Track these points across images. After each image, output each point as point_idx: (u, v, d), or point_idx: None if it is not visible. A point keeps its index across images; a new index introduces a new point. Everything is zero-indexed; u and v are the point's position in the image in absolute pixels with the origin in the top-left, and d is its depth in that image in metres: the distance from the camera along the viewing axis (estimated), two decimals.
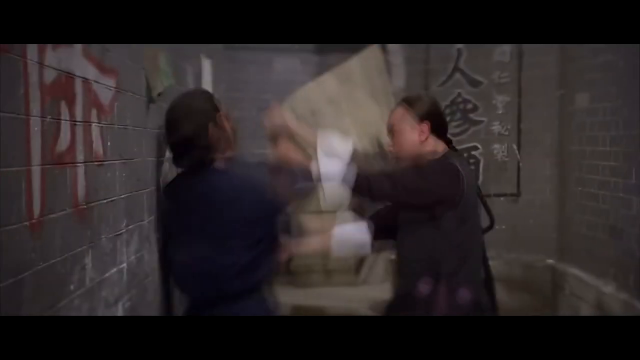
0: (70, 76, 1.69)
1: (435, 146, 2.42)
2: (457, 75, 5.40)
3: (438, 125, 2.44)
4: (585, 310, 4.59)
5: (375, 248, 2.64)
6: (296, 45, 5.92)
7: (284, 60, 6.45)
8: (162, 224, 2.44)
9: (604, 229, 4.46)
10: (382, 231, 2.57)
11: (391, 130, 2.46)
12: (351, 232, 2.61)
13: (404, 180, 2.30)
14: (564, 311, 4.99)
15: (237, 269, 2.25)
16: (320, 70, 6.31)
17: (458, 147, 5.39)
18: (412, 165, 2.40)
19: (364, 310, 5.54)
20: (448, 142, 2.49)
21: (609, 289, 4.33)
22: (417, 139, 2.39)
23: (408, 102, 2.47)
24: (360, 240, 2.58)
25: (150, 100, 2.56)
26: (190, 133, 2.23)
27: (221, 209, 2.25)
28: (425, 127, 2.39)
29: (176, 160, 2.32)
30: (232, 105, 5.83)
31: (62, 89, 1.64)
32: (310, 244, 2.68)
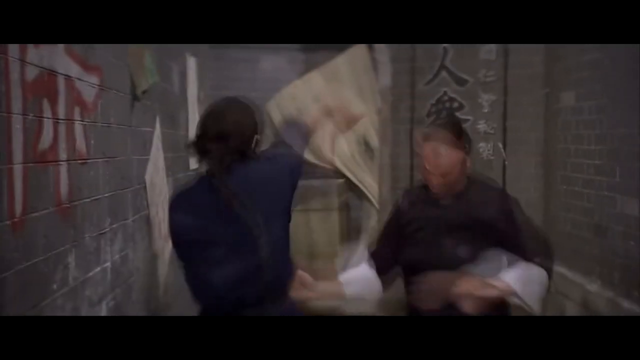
0: (52, 74, 1.68)
1: (464, 170, 2.37)
2: (443, 74, 5.41)
3: (470, 146, 2.43)
4: (571, 309, 4.63)
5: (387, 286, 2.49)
6: (283, 44, 5.92)
7: (271, 58, 6.45)
8: (184, 241, 2.13)
9: (589, 228, 4.49)
10: (386, 269, 2.45)
11: (433, 153, 2.32)
12: (360, 277, 2.47)
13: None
14: (550, 310, 5.03)
15: (272, 269, 2.09)
16: (307, 68, 6.31)
17: None
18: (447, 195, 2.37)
19: (349, 309, 5.54)
20: None
21: (594, 287, 4.36)
22: (459, 162, 2.33)
23: (445, 125, 2.41)
24: (370, 284, 2.46)
25: (135, 98, 2.55)
26: (240, 131, 2.10)
27: (255, 193, 2.07)
28: (469, 157, 2.38)
29: (206, 157, 2.10)
30: None
31: (44, 86, 1.63)
32: (322, 291, 2.43)
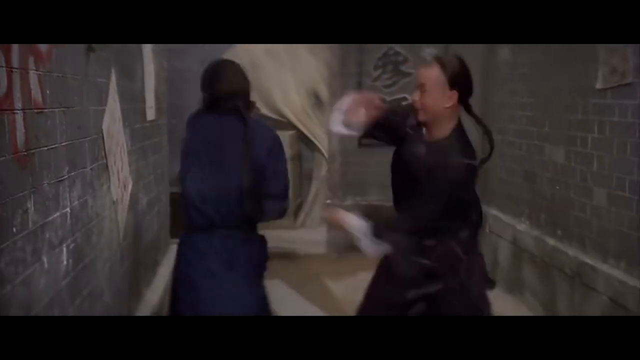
0: None
1: (454, 113, 2.34)
2: None
3: (465, 94, 2.33)
4: (503, 245, 4.80)
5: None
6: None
7: None
8: (184, 152, 2.55)
9: (520, 174, 4.63)
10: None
11: (421, 87, 2.31)
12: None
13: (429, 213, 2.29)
14: (485, 247, 5.20)
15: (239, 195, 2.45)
16: None
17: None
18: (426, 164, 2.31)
19: (301, 251, 5.63)
20: (467, 107, 2.39)
21: (523, 226, 4.53)
22: (444, 104, 2.29)
23: (443, 64, 2.31)
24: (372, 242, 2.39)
25: (90, 49, 2.47)
26: (240, 86, 2.59)
27: (239, 145, 2.44)
28: (455, 95, 2.29)
29: (214, 103, 2.54)
30: (174, 57, 5.69)
31: None
32: (348, 221, 2.41)
